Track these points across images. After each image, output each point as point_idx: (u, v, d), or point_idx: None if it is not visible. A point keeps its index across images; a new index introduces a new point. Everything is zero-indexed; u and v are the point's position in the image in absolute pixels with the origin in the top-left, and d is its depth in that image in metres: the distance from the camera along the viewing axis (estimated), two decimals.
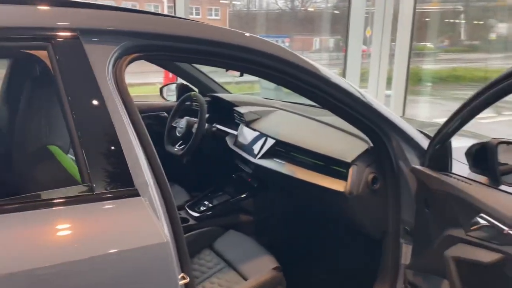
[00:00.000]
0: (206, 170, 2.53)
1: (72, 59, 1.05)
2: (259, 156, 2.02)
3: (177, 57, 1.30)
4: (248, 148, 2.12)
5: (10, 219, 0.89)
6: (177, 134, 2.37)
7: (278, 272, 1.68)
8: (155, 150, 1.16)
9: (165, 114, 2.57)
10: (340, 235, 2.05)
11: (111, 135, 1.03)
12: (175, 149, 2.35)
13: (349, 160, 1.65)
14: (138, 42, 1.16)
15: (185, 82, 2.73)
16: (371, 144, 1.68)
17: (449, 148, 1.40)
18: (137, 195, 1.02)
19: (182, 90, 2.69)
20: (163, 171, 1.14)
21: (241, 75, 1.74)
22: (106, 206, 0.98)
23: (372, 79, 6.27)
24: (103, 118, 1.03)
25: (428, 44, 11.53)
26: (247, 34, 1.35)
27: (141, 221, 1.00)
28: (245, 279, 1.68)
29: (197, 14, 22.92)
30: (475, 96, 1.24)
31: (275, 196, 2.19)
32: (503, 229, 1.10)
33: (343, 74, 6.04)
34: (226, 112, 2.44)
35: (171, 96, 2.91)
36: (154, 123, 2.65)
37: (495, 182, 1.27)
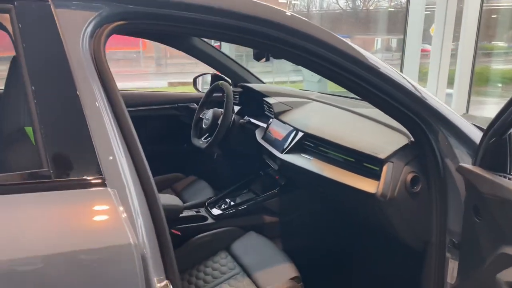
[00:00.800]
0: (234, 165, 2.36)
1: (38, 25, 0.91)
2: (286, 151, 1.81)
3: (168, 27, 1.12)
4: (275, 142, 1.91)
5: None
6: (203, 126, 2.22)
7: (297, 283, 1.45)
8: (136, 137, 0.99)
9: (195, 106, 2.43)
10: (373, 244, 1.78)
11: (76, 115, 0.87)
12: (200, 142, 2.19)
13: (382, 156, 1.39)
14: (121, 9, 1.00)
15: (219, 73, 2.57)
16: (412, 139, 1.42)
17: (509, 142, 1.11)
18: (104, 185, 0.85)
19: (215, 81, 2.53)
20: (144, 159, 0.97)
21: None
22: (62, 196, 0.82)
23: (432, 78, 6.01)
24: (68, 93, 0.88)
25: (501, 43, 10.75)
26: (259, 2, 1.15)
27: (101, 216, 0.83)
28: None
29: None
30: None
31: (303, 196, 1.96)
32: None
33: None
34: (257, 103, 2.25)
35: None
36: (183, 114, 2.52)
37: None
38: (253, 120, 2.29)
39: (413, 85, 1.32)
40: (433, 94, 1.41)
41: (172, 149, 2.52)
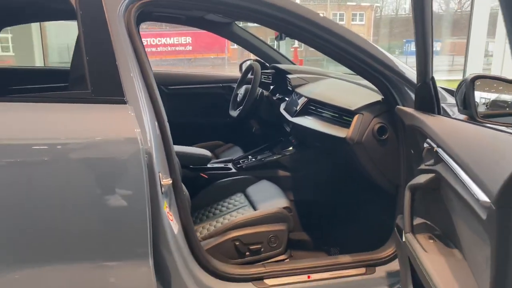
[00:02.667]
0: (263, 134, 2.77)
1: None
2: (295, 114, 2.19)
3: (191, 5, 1.57)
4: (289, 109, 2.30)
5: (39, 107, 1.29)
6: (238, 100, 2.66)
7: (285, 211, 1.83)
8: (153, 78, 1.46)
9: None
10: (360, 193, 2.09)
11: (111, 61, 1.35)
12: (234, 112, 2.64)
13: (353, 108, 1.73)
14: None
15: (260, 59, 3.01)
16: (383, 96, 1.73)
17: (432, 85, 1.39)
18: (124, 102, 1.33)
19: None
20: (156, 91, 1.43)
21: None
22: (97, 107, 1.31)
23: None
24: (107, 46, 1.36)
25: None
26: None
27: (119, 120, 1.30)
28: None
29: (341, 19, 23.08)
30: None
31: (311, 156, 2.31)
32: (433, 147, 1.11)
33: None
34: (285, 81, 2.65)
35: None
36: (226, 92, 2.99)
37: (472, 117, 1.26)
38: (281, 96, 2.69)
39: (383, 54, 1.64)
40: None
41: (217, 121, 3.00)
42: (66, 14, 1.99)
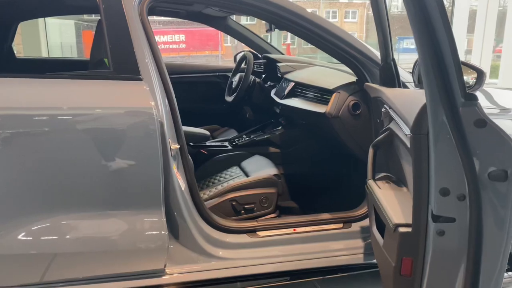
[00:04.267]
0: (255, 116, 3.07)
1: None
2: (283, 97, 2.49)
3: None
4: (279, 93, 2.60)
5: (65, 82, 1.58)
6: (233, 86, 2.96)
7: (275, 177, 2.13)
8: (162, 58, 1.74)
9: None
10: (340, 158, 2.40)
11: (128, 41, 1.64)
12: (229, 98, 2.94)
13: (331, 88, 2.03)
14: None
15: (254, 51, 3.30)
16: (356, 77, 2.03)
17: (393, 64, 1.69)
18: (140, 80, 1.62)
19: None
20: (165, 71, 1.72)
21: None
22: (118, 83, 1.60)
23: (503, 74, 6.00)
24: (124, 29, 1.65)
25: None
26: None
27: (136, 93, 1.59)
28: None
29: (334, 17, 23.41)
30: None
31: (298, 134, 2.62)
32: (388, 111, 1.42)
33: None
34: (275, 69, 2.94)
35: None
36: (222, 81, 3.29)
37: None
38: (272, 84, 2.99)
39: (357, 41, 1.94)
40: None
41: (213, 108, 3.30)
42: (88, 8, 2.28)
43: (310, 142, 2.60)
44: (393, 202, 1.31)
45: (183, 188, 1.74)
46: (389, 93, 1.53)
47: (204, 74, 3.32)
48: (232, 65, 3.40)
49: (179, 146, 1.73)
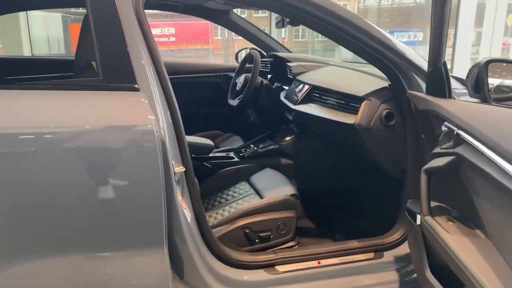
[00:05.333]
0: (263, 124, 2.76)
1: None
2: (297, 102, 2.18)
3: None
4: (291, 97, 2.30)
5: (46, 94, 1.25)
6: (237, 88, 2.64)
7: (293, 198, 1.83)
8: (162, 60, 1.43)
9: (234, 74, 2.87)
10: (366, 179, 2.11)
11: (121, 42, 1.32)
12: (233, 102, 2.62)
13: (361, 94, 1.73)
14: None
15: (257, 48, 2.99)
16: (390, 82, 1.74)
17: (444, 69, 1.40)
18: (137, 90, 1.30)
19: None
20: (167, 77, 1.41)
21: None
22: (109, 94, 1.29)
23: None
24: (116, 27, 1.33)
25: None
26: None
27: (133, 108, 1.28)
28: None
29: None
30: None
31: (314, 143, 2.32)
32: (454, 130, 1.12)
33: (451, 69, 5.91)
34: (284, 69, 2.64)
35: None
36: (223, 82, 2.97)
37: (485, 100, 1.27)
38: (279, 85, 2.68)
39: (392, 40, 1.65)
40: None
41: (214, 111, 2.98)
42: (74, 2, 1.94)
43: (327, 152, 2.30)
44: (474, 254, 1.03)
45: (189, 220, 1.43)
46: (453, 108, 1.23)
47: (204, 74, 2.99)
48: (234, 63, 3.08)
49: (184, 169, 1.42)
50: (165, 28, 16.00)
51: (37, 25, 6.53)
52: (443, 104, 1.28)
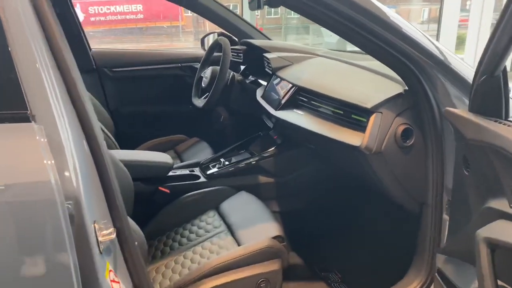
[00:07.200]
0: (236, 127, 2.28)
1: None
2: (280, 107, 1.70)
3: None
4: (270, 98, 1.81)
5: None
6: (203, 85, 2.14)
7: (277, 242, 1.37)
8: (78, 73, 0.92)
9: (199, 65, 2.35)
10: (368, 206, 1.67)
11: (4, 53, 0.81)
12: (199, 101, 2.12)
13: (369, 106, 1.26)
14: None
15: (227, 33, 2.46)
16: (406, 87, 1.28)
17: (502, 80, 0.94)
18: (28, 120, 0.79)
19: None
20: (84, 92, 0.91)
21: None
22: None
23: (470, 48, 5.60)
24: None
25: None
26: None
27: (21, 150, 0.77)
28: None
29: None
30: None
31: (300, 157, 1.85)
32: None
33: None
34: (260, 60, 2.14)
35: None
36: (187, 74, 2.45)
37: None
38: (253, 78, 2.19)
39: (405, 25, 1.18)
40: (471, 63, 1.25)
41: (177, 110, 2.47)
42: None
43: (317, 168, 1.84)
44: None
45: None
46: None
47: (162, 66, 2.45)
48: (197, 48, 2.56)
49: (115, 233, 0.93)
50: (132, 5, 15.14)
51: None
52: None
